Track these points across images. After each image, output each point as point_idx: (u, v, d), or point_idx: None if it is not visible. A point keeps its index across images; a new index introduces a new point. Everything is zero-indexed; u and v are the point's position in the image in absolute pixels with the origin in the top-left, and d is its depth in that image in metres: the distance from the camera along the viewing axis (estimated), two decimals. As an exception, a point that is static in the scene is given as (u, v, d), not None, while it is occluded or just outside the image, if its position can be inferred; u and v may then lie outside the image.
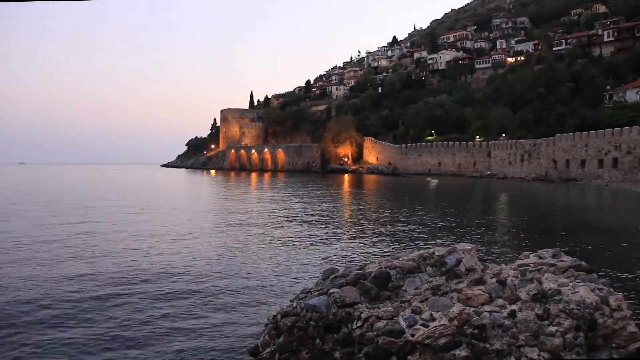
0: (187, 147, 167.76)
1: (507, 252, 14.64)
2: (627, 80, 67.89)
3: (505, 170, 70.40)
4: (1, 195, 39.80)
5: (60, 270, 12.31)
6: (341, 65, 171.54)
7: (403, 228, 20.14)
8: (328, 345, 5.33)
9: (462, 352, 4.83)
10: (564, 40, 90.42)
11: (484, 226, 21.03)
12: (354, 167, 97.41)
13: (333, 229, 20.35)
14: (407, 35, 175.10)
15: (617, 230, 19.78)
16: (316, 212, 27.14)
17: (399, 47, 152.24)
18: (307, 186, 53.95)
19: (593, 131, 56.05)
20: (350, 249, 15.71)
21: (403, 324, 5.07)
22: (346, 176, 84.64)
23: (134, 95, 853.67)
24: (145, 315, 8.72)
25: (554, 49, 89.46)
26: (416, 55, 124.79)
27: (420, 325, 5.02)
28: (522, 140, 67.65)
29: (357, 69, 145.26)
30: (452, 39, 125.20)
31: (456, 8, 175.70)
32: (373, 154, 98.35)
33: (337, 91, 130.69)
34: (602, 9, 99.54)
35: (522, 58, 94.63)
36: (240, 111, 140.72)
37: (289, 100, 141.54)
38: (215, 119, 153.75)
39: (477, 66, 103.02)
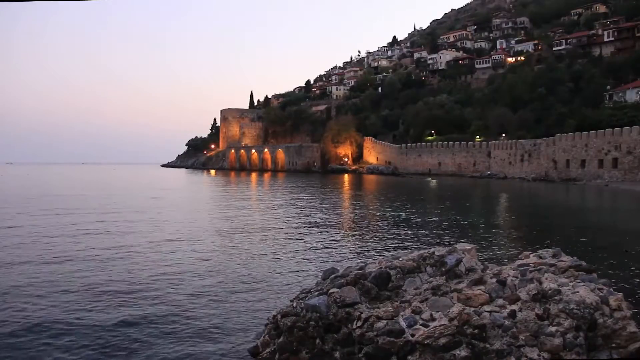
0: (187, 147, 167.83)
1: (507, 252, 14.64)
2: (627, 80, 67.91)
3: (505, 170, 70.40)
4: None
5: (62, 270, 12.31)
6: (341, 65, 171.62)
7: (403, 228, 20.14)
8: (328, 345, 5.33)
9: (462, 352, 4.83)
10: (564, 40, 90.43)
11: (484, 226, 21.03)
12: (354, 167, 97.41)
13: (333, 229, 20.35)
14: (407, 35, 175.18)
15: (617, 230, 19.79)
16: (316, 212, 27.14)
17: (399, 47, 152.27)
18: (307, 186, 53.95)
19: (593, 131, 56.03)
20: (350, 249, 15.72)
21: (403, 324, 5.07)
22: (346, 176, 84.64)
23: (133, 95, 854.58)
24: (144, 316, 8.72)
25: (554, 49, 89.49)
26: (416, 55, 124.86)
27: (420, 325, 5.02)
28: (522, 140, 67.64)
29: (357, 69, 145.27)
30: (452, 39, 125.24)
31: (456, 8, 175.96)
32: (373, 154, 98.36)
33: (337, 91, 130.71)
34: (602, 9, 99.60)
35: (522, 58, 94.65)
36: (240, 111, 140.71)
37: (289, 100, 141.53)
38: (215, 119, 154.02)
39: (477, 66, 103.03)
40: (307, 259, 13.90)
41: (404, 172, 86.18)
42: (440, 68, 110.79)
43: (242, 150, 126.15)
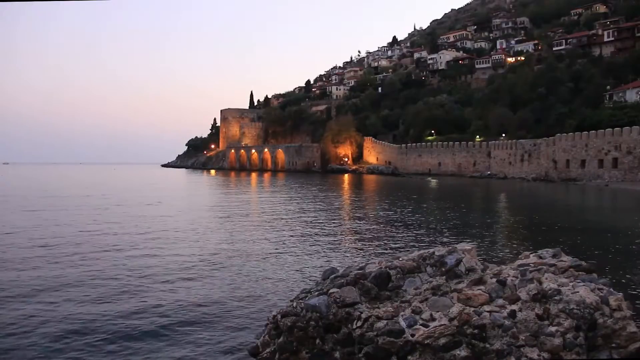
0: (187, 147, 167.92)
1: (507, 252, 14.64)
2: (627, 80, 67.86)
3: (505, 170, 70.39)
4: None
5: (62, 270, 12.31)
6: (341, 65, 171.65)
7: (403, 228, 20.14)
8: (328, 345, 5.33)
9: (462, 352, 4.83)
10: (564, 40, 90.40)
11: (484, 226, 21.03)
12: (354, 167, 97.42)
13: (333, 229, 20.35)
14: (407, 35, 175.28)
15: (617, 230, 19.78)
16: (316, 212, 27.13)
17: (399, 47, 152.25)
18: (307, 186, 53.95)
19: (593, 131, 56.03)
20: (350, 249, 15.71)
21: (403, 324, 5.07)
22: (346, 176, 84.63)
23: (133, 95, 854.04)
24: (144, 316, 8.72)
25: (554, 49, 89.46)
26: (416, 55, 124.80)
27: (420, 325, 5.02)
28: (522, 140, 67.63)
29: (357, 69, 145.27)
30: (452, 39, 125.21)
31: (456, 8, 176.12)
32: (373, 154, 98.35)
33: (337, 91, 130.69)
34: (602, 9, 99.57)
35: (522, 58, 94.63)
36: (240, 111, 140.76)
37: (289, 100, 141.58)
38: (215, 119, 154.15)
39: (477, 66, 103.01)
40: (307, 259, 13.90)
41: (404, 172, 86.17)
42: (440, 68, 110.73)
43: (242, 150, 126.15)
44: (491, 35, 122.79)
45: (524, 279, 5.36)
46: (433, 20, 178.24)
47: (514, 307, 5.03)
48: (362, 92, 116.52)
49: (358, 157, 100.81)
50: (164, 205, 31.39)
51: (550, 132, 63.80)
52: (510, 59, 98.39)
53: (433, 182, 63.63)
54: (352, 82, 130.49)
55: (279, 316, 5.65)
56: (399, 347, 4.97)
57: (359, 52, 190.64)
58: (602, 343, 4.86)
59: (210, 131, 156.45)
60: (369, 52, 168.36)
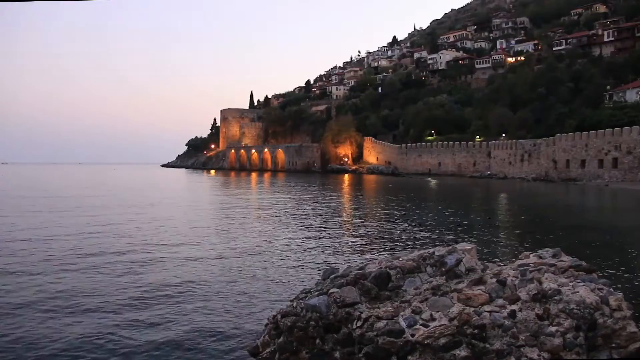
0: (187, 147, 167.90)
1: (507, 252, 14.64)
2: (627, 80, 67.85)
3: (505, 170, 70.38)
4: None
5: (63, 270, 12.32)
6: (341, 65, 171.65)
7: (403, 228, 20.14)
8: (328, 345, 5.33)
9: (462, 352, 4.83)
10: (564, 40, 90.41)
11: (484, 226, 21.02)
12: (354, 167, 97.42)
13: (333, 229, 20.35)
14: (407, 35, 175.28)
15: (617, 230, 19.77)
16: (316, 212, 27.13)
17: (399, 47, 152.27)
18: (307, 186, 53.94)
19: (593, 131, 56.02)
20: (350, 249, 15.71)
21: (403, 324, 5.07)
22: (346, 176, 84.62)
23: (133, 95, 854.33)
24: (144, 315, 8.72)
25: (554, 49, 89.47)
26: (416, 55, 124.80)
27: (420, 325, 5.02)
28: (522, 140, 67.62)
29: (357, 69, 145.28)
30: (452, 39, 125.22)
31: (456, 8, 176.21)
32: (373, 154, 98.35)
33: (337, 91, 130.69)
34: (602, 9, 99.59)
35: (522, 58, 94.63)
36: (240, 111, 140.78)
37: (289, 100, 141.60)
38: (215, 119, 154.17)
39: (477, 66, 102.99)
40: (307, 259, 13.90)
41: (404, 172, 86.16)
42: (440, 68, 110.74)
43: (242, 150, 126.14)
44: (491, 35, 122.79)
45: (524, 279, 5.36)
46: (433, 20, 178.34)
47: (514, 307, 5.03)
48: (362, 92, 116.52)
49: (358, 157, 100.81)
50: (164, 205, 31.38)
51: (550, 132, 63.80)
52: (510, 59, 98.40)
53: (433, 182, 63.62)
54: (352, 82, 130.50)
55: (279, 316, 5.65)
56: (399, 347, 4.96)
57: (359, 52, 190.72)
58: (602, 343, 4.86)
59: (210, 131, 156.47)
60: (369, 52, 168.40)
